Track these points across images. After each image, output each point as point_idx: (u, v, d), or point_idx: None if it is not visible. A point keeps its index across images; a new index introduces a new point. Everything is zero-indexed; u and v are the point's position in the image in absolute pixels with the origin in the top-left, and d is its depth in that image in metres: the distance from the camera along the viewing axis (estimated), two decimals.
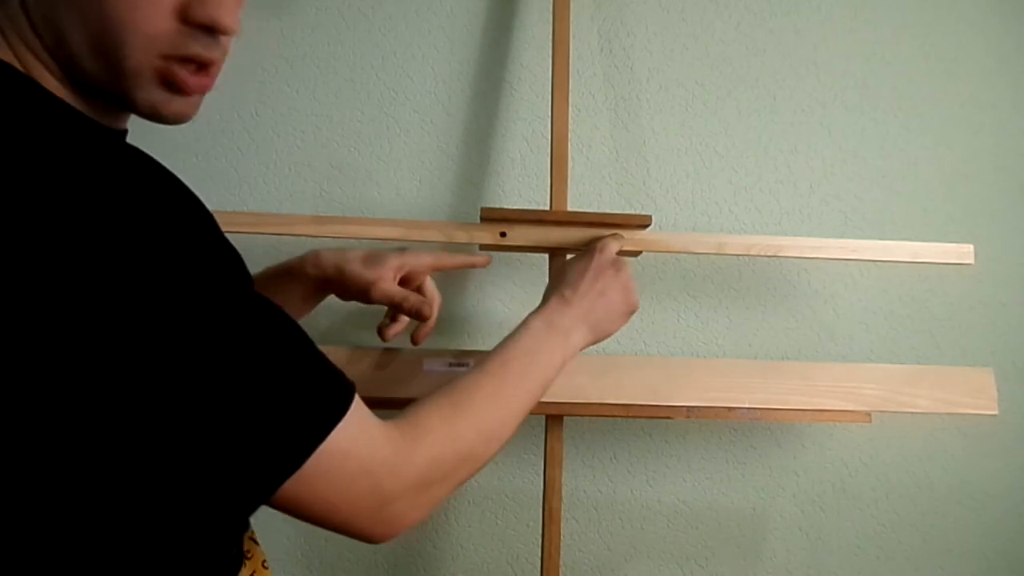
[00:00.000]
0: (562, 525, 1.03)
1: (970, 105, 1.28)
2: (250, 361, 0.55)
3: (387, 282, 0.95)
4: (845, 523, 1.24)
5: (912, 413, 1.08)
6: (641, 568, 1.22)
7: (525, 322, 0.84)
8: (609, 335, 0.90)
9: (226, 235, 0.58)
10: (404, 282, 0.98)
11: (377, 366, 1.00)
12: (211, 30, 0.56)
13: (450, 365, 0.99)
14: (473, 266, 1.08)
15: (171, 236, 0.52)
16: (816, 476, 1.24)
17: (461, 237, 1.04)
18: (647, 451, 1.22)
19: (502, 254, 1.18)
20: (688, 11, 1.25)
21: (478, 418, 0.71)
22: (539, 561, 1.03)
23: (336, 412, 0.59)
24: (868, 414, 1.04)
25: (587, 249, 0.96)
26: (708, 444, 1.22)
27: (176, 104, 0.58)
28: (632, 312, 0.93)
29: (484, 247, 1.07)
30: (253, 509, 0.58)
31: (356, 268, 0.94)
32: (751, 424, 1.22)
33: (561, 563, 1.02)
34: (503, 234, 1.04)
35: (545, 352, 0.81)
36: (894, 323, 1.25)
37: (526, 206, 1.19)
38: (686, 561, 1.22)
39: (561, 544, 1.02)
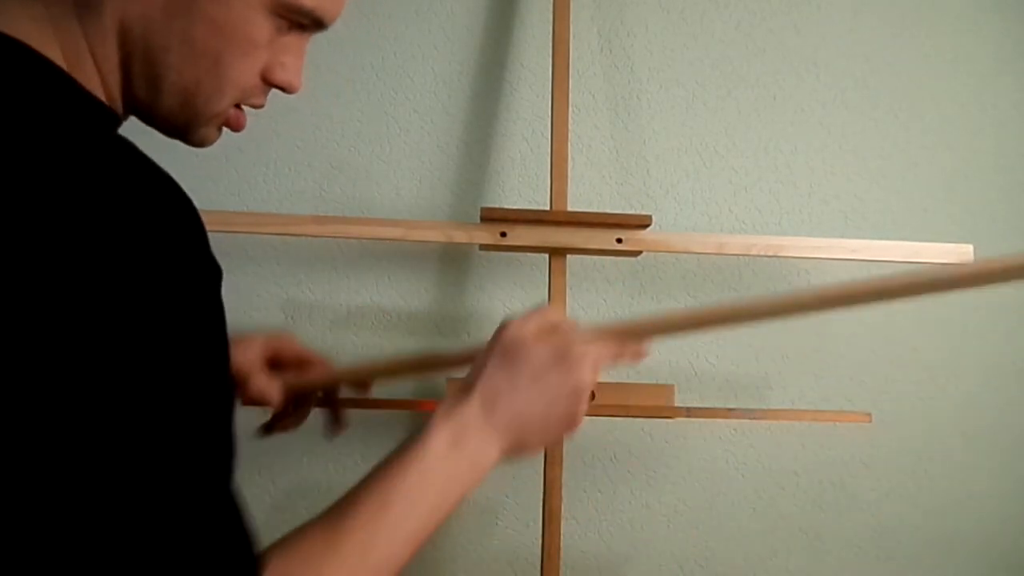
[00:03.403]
0: (562, 525, 1.03)
1: (970, 105, 1.28)
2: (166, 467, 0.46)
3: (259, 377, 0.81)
4: (845, 523, 1.24)
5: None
6: (641, 568, 1.22)
7: (426, 437, 0.63)
8: (531, 455, 0.69)
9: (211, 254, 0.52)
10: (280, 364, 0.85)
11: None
12: (280, 88, 0.63)
13: None
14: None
15: (148, 256, 0.48)
16: (816, 476, 1.24)
17: (461, 237, 1.04)
18: (647, 451, 1.22)
19: (502, 254, 1.18)
20: (688, 11, 1.25)
21: None
22: (539, 561, 1.03)
23: None
24: (868, 414, 1.04)
25: (552, 329, 0.70)
26: (708, 444, 1.22)
27: (216, 137, 0.64)
28: (571, 431, 0.68)
29: (484, 247, 1.07)
30: None
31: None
32: (751, 424, 1.22)
33: (561, 563, 1.02)
34: (503, 234, 1.04)
35: (443, 482, 0.62)
36: (894, 323, 1.25)
37: (526, 206, 1.19)
38: (686, 561, 1.22)
39: (561, 544, 1.02)
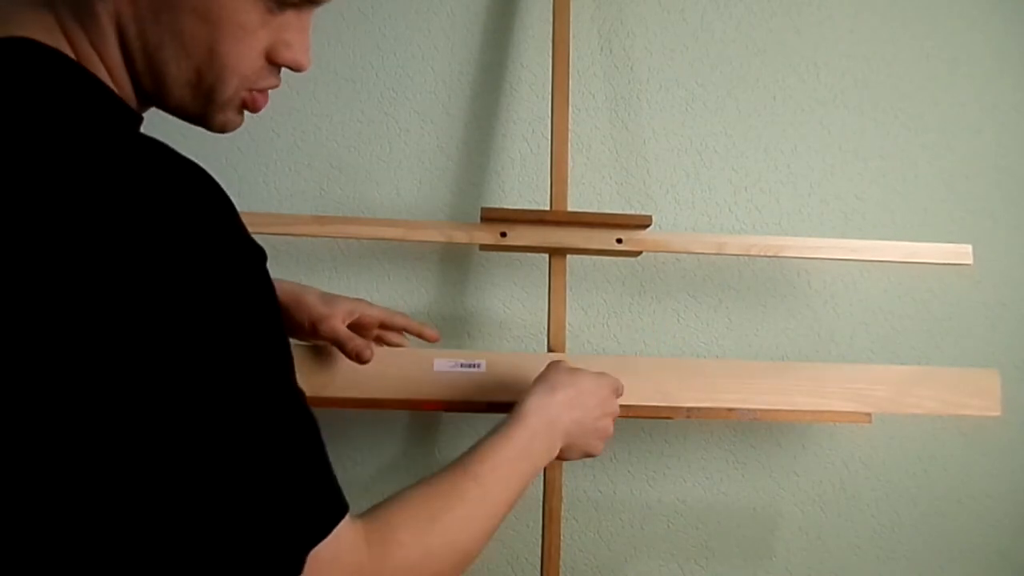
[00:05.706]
0: (562, 525, 1.03)
1: (970, 105, 1.28)
2: (258, 449, 0.53)
3: (336, 320, 0.93)
4: (845, 523, 1.24)
5: (915, 414, 1.08)
6: (641, 568, 1.22)
7: (523, 413, 0.78)
8: (563, 458, 0.83)
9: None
10: (355, 329, 0.96)
11: (385, 366, 0.97)
12: (288, 67, 0.64)
13: (461, 366, 0.98)
14: (420, 335, 1.01)
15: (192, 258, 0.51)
16: (816, 476, 1.24)
17: (461, 237, 1.04)
18: (647, 451, 1.22)
19: (502, 254, 1.18)
20: (688, 11, 1.25)
21: (455, 535, 0.67)
22: (539, 561, 1.03)
23: (327, 526, 0.56)
24: (868, 414, 1.04)
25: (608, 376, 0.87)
26: (708, 444, 1.22)
27: (240, 120, 0.65)
28: (588, 456, 0.85)
29: (484, 247, 1.07)
30: None
31: (312, 300, 0.94)
32: (751, 424, 1.22)
33: (561, 563, 1.02)
34: (503, 234, 1.04)
35: (534, 458, 0.76)
36: (894, 323, 1.25)
37: (526, 206, 1.19)
38: (686, 561, 1.22)
39: (561, 544, 1.02)
